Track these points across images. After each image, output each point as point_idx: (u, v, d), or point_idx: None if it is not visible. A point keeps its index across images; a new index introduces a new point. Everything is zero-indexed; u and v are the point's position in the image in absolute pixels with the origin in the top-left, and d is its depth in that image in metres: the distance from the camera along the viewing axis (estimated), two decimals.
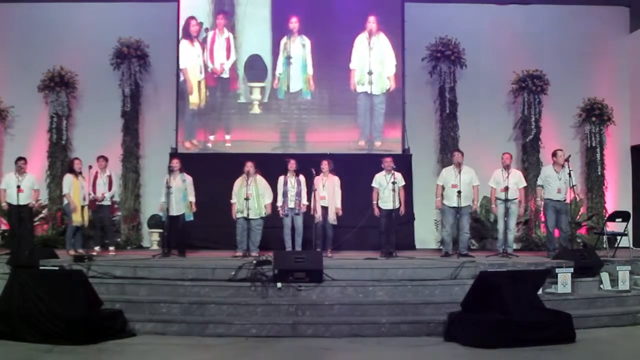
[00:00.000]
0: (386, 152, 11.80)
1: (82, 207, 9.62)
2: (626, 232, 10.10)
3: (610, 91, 12.61)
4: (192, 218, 9.73)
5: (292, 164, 9.82)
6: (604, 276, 8.19)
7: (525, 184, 9.96)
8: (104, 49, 11.99)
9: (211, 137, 12.41)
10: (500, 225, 9.69)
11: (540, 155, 12.24)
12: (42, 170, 11.95)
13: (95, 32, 12.29)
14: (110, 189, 9.99)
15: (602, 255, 8.89)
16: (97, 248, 9.76)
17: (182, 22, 12.44)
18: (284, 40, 12.36)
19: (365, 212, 9.91)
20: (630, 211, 11.04)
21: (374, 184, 9.86)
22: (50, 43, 12.31)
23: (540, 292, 7.40)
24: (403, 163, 11.27)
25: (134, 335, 6.79)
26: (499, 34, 12.56)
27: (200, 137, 12.41)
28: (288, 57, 12.34)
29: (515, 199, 9.65)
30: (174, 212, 9.59)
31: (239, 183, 9.67)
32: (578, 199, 11.45)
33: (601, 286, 8.14)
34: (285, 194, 9.75)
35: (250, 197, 9.47)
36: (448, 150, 11.91)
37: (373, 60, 12.38)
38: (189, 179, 9.77)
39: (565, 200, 9.54)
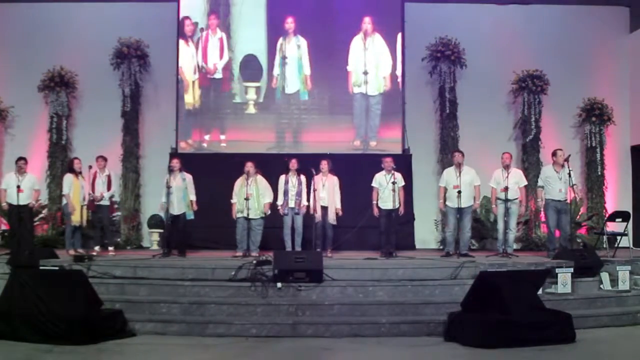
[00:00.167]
0: (382, 152, 11.84)
1: (82, 207, 9.62)
2: (626, 232, 10.10)
3: (610, 91, 12.61)
4: (192, 217, 9.73)
5: (293, 163, 9.82)
6: (604, 276, 8.19)
7: (525, 183, 9.95)
8: (104, 49, 11.99)
9: (206, 137, 12.44)
10: (500, 225, 9.69)
11: (540, 155, 12.24)
12: (42, 170, 11.96)
13: (95, 32, 12.30)
14: (109, 188, 9.97)
15: (602, 255, 8.89)
16: (97, 248, 9.75)
17: (187, 23, 12.47)
18: (280, 41, 12.38)
19: (365, 212, 9.91)
20: (630, 211, 11.04)
21: (373, 184, 9.86)
22: (50, 43, 12.31)
23: (540, 292, 7.39)
24: (403, 163, 11.27)
25: (134, 335, 6.79)
26: (499, 34, 12.57)
27: (195, 137, 12.42)
28: (283, 58, 12.36)
29: (516, 198, 9.64)
30: (175, 211, 9.60)
31: (239, 183, 9.67)
32: (578, 198, 11.46)
33: (601, 286, 8.14)
34: (286, 193, 9.75)
35: (251, 197, 9.47)
36: (448, 150, 11.91)
37: (368, 60, 12.39)
38: (188, 177, 9.77)
39: (566, 200, 9.54)
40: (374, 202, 9.80)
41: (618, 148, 12.81)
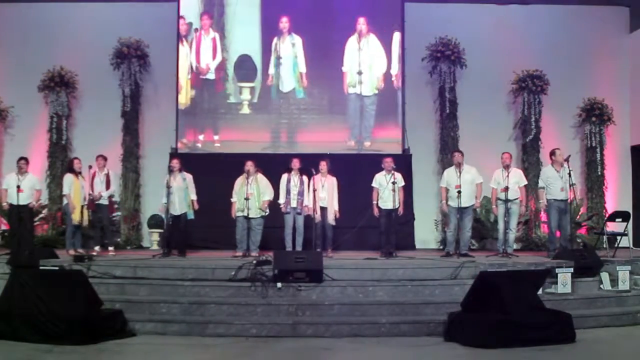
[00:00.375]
0: (377, 152, 11.90)
1: (82, 206, 9.62)
2: (626, 232, 10.10)
3: (610, 91, 12.61)
4: (193, 217, 9.73)
5: (295, 163, 9.82)
6: (604, 276, 8.19)
7: (525, 182, 9.94)
8: (104, 49, 11.99)
9: (200, 137, 12.45)
10: (501, 225, 9.69)
11: (540, 155, 12.24)
12: (42, 170, 11.95)
13: (95, 32, 12.30)
14: (107, 188, 9.95)
15: (602, 255, 8.89)
16: (97, 248, 9.75)
17: (181, 22, 12.48)
18: (274, 40, 12.40)
19: (365, 212, 9.91)
20: (630, 211, 11.03)
21: (374, 184, 9.86)
22: (50, 43, 12.32)
23: (540, 292, 7.39)
24: (403, 163, 11.27)
25: (134, 335, 6.79)
26: (499, 34, 12.56)
27: (189, 137, 12.44)
28: (278, 58, 12.36)
29: (516, 199, 9.63)
30: (176, 211, 9.59)
31: (239, 182, 9.67)
32: (578, 198, 11.46)
33: (601, 286, 8.14)
34: (288, 192, 9.75)
35: (251, 196, 9.47)
36: (448, 150, 11.91)
37: (363, 61, 12.41)
38: (189, 177, 9.76)
39: (567, 199, 9.53)
40: (374, 202, 9.80)
41: (618, 148, 12.81)
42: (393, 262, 8.70)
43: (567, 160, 9.52)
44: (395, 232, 9.83)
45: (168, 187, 9.52)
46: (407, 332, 6.95)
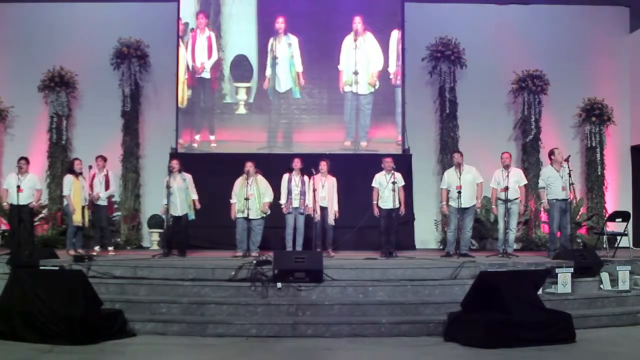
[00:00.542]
0: (374, 152, 11.93)
1: (83, 207, 9.62)
2: (626, 232, 10.10)
3: (610, 91, 12.61)
4: (194, 217, 9.72)
5: (297, 163, 9.81)
6: (604, 276, 8.18)
7: (525, 182, 9.95)
8: (104, 49, 12.00)
9: (196, 137, 12.46)
10: (501, 225, 9.69)
11: (540, 155, 12.24)
12: (42, 170, 11.95)
13: (95, 32, 12.31)
14: (107, 188, 9.96)
15: (602, 255, 8.88)
16: (97, 248, 9.75)
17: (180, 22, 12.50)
18: (270, 41, 12.40)
19: (364, 212, 9.91)
20: (630, 211, 11.04)
21: (374, 184, 9.85)
22: (50, 43, 12.32)
23: (540, 292, 7.39)
24: (403, 163, 11.28)
25: (134, 335, 6.78)
26: (499, 34, 12.57)
27: (185, 137, 12.44)
28: (274, 58, 12.37)
29: (517, 198, 9.63)
30: (177, 212, 9.59)
31: (239, 183, 9.66)
32: (578, 198, 11.47)
33: (601, 286, 8.13)
34: (289, 192, 9.74)
35: (251, 197, 9.46)
36: (448, 150, 11.92)
37: (359, 60, 12.42)
38: (188, 177, 9.76)
39: (568, 199, 9.53)
40: (374, 202, 9.80)
41: (618, 148, 12.82)
42: (393, 262, 8.70)
43: (567, 160, 9.52)
44: (395, 232, 9.83)
45: (168, 187, 9.51)
46: (407, 332, 6.94)
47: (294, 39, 12.41)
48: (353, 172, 11.01)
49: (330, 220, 9.79)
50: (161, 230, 11.36)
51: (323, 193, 9.73)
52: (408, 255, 9.57)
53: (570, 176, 9.40)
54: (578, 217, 11.95)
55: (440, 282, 7.83)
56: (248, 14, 12.54)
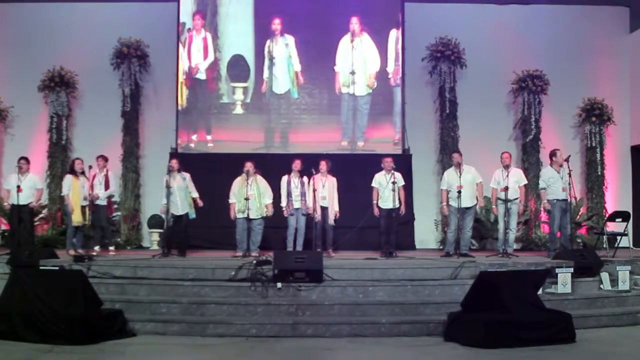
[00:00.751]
0: (372, 152, 11.96)
1: (83, 207, 9.62)
2: (626, 232, 10.10)
3: (610, 91, 12.61)
4: (194, 216, 9.71)
5: (296, 164, 9.80)
6: (604, 276, 8.18)
7: (525, 182, 9.95)
8: (104, 49, 12.00)
9: (193, 137, 12.45)
10: (501, 225, 9.69)
11: (540, 155, 12.24)
12: (42, 170, 11.94)
13: (95, 32, 12.31)
14: (107, 188, 9.95)
15: (602, 255, 8.88)
16: (96, 248, 9.75)
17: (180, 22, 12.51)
18: (267, 42, 12.41)
19: (364, 212, 9.91)
20: (630, 211, 11.04)
21: (374, 184, 9.85)
22: (50, 43, 12.32)
23: (540, 292, 7.39)
24: (403, 163, 11.28)
25: (134, 335, 6.78)
26: (499, 34, 12.57)
27: (183, 137, 12.44)
28: (271, 59, 12.36)
29: (516, 198, 9.63)
30: (178, 211, 9.58)
31: (238, 183, 9.65)
32: (578, 198, 11.46)
33: (601, 286, 8.13)
34: (289, 194, 9.74)
35: (252, 197, 9.45)
36: (448, 150, 11.91)
37: (356, 61, 12.42)
38: (187, 176, 9.76)
39: (567, 199, 9.53)
40: (374, 202, 9.79)
41: (618, 148, 12.81)
42: (393, 262, 8.70)
43: (567, 160, 9.52)
44: (395, 232, 9.82)
45: (168, 187, 9.50)
46: (407, 332, 6.94)
47: (290, 39, 12.41)
48: (352, 172, 11.00)
49: (331, 220, 9.79)
50: (161, 230, 11.35)
51: (323, 193, 9.72)
52: (408, 255, 9.57)
53: (570, 176, 9.40)
54: (578, 217, 11.96)
55: (440, 282, 7.83)
56: (245, 14, 12.55)
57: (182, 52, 12.47)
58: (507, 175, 9.63)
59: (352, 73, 12.40)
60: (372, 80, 12.45)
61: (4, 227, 11.81)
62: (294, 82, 12.43)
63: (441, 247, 11.25)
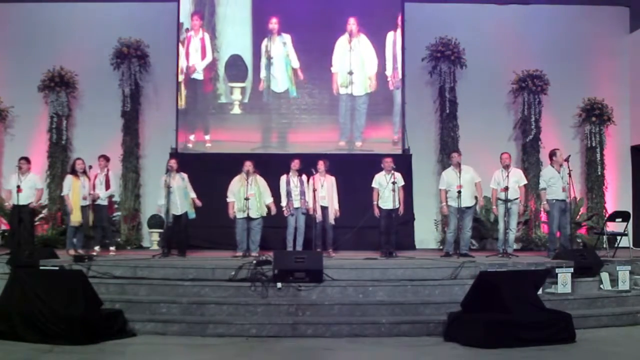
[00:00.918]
0: (370, 152, 11.99)
1: (83, 207, 9.62)
2: (626, 232, 10.10)
3: (610, 91, 12.61)
4: (194, 216, 9.71)
5: (295, 164, 9.80)
6: (604, 276, 8.18)
7: (525, 182, 9.95)
8: (104, 49, 12.00)
9: (191, 137, 12.45)
10: (501, 225, 9.69)
11: (540, 155, 12.24)
12: (42, 170, 11.93)
13: (95, 32, 12.31)
14: (107, 188, 9.95)
15: (602, 255, 8.88)
16: (97, 248, 9.75)
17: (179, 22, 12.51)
18: (264, 42, 12.40)
19: (364, 212, 9.91)
20: (630, 211, 11.04)
21: (374, 185, 9.85)
22: (50, 43, 12.32)
23: (540, 292, 7.39)
24: (403, 163, 11.28)
25: (134, 335, 6.78)
26: (499, 34, 12.57)
27: (181, 137, 12.44)
28: (269, 59, 12.36)
29: (516, 198, 9.63)
30: (178, 211, 9.58)
31: (238, 183, 9.64)
32: (578, 198, 11.45)
33: (601, 286, 8.13)
34: (289, 194, 9.73)
35: (252, 196, 9.45)
36: (448, 150, 11.91)
37: (354, 61, 12.43)
38: (185, 176, 9.75)
39: (566, 199, 9.53)
40: (375, 202, 9.79)
41: (618, 148, 12.81)
42: (393, 262, 8.70)
43: (567, 160, 9.52)
44: (395, 232, 9.82)
45: (168, 187, 9.49)
46: (407, 332, 6.94)
47: (287, 38, 12.42)
48: (350, 172, 11.01)
49: (331, 219, 9.79)
50: (161, 230, 11.35)
51: (322, 193, 9.72)
52: (408, 255, 9.57)
53: (570, 176, 9.40)
54: (578, 217, 11.95)
55: (440, 282, 7.83)
56: (243, 14, 12.55)
57: (181, 52, 12.46)
58: (507, 176, 9.63)
59: (350, 73, 12.40)
60: (370, 81, 12.45)
61: (4, 227, 11.80)
62: (292, 80, 12.43)
63: (441, 247, 11.24)
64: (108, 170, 10.09)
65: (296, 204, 9.72)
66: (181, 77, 12.46)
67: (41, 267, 7.59)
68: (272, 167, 10.26)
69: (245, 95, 12.50)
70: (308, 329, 6.95)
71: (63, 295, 6.58)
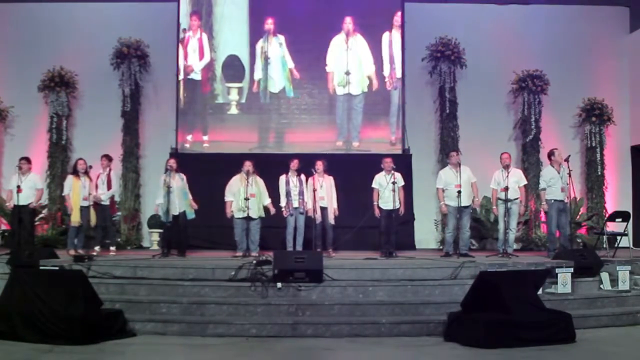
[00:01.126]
0: (366, 152, 12.03)
1: (83, 207, 9.62)
2: (626, 232, 10.10)
3: (610, 91, 12.62)
4: (193, 216, 9.70)
5: (294, 164, 9.80)
6: (604, 276, 8.18)
7: (525, 182, 9.96)
8: (104, 49, 12.01)
9: (188, 138, 12.46)
10: (501, 225, 9.69)
11: (540, 155, 12.24)
12: (42, 170, 11.93)
13: (95, 32, 12.32)
14: (109, 188, 9.95)
15: (602, 255, 8.88)
16: (97, 248, 9.74)
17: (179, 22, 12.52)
18: (259, 43, 12.40)
19: (363, 212, 9.91)
20: (630, 211, 11.04)
21: (374, 185, 9.85)
22: (50, 43, 12.33)
23: (540, 292, 7.39)
24: (403, 163, 11.28)
25: (134, 335, 6.78)
26: (499, 34, 12.58)
27: (180, 137, 12.43)
28: (266, 59, 12.37)
29: (517, 198, 9.64)
30: (176, 211, 9.56)
31: (237, 182, 9.63)
32: (578, 198, 11.44)
33: (601, 286, 8.13)
34: (288, 194, 9.73)
35: (252, 197, 9.44)
36: (448, 150, 11.90)
37: (351, 61, 12.41)
38: (184, 177, 9.75)
39: (565, 199, 9.53)
40: (375, 203, 9.79)
41: (618, 148, 12.82)
42: (393, 262, 8.70)
43: (567, 160, 9.52)
44: (395, 232, 9.82)
45: (168, 187, 9.48)
46: (407, 332, 6.94)
47: (282, 38, 12.43)
48: (349, 172, 11.01)
49: (331, 219, 9.78)
50: (161, 230, 11.34)
51: (322, 193, 9.71)
52: (408, 255, 9.57)
53: (570, 176, 9.40)
54: (578, 217, 11.95)
55: (440, 282, 7.83)
56: (240, 14, 12.55)
57: (180, 52, 12.45)
58: (507, 176, 9.63)
59: (347, 73, 12.40)
60: (367, 81, 12.45)
61: (4, 227, 11.80)
62: (289, 80, 12.43)
63: (441, 247, 11.25)
64: (110, 170, 10.08)
65: (295, 203, 9.72)
66: (180, 77, 12.46)
67: (41, 267, 7.58)
68: (269, 167, 10.22)
69: (243, 96, 12.51)
70: (308, 329, 6.95)
71: (63, 295, 6.58)
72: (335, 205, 9.86)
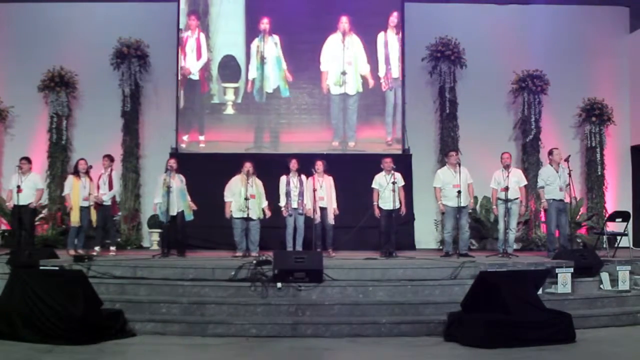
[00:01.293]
0: (362, 152, 12.06)
1: (83, 208, 9.62)
2: (626, 232, 10.10)
3: (610, 91, 12.62)
4: (192, 217, 9.70)
5: (294, 164, 9.80)
6: (604, 276, 8.18)
7: (525, 182, 9.96)
8: (104, 49, 12.01)
9: (185, 138, 12.46)
10: (501, 225, 9.69)
11: (540, 155, 12.25)
12: (42, 170, 11.93)
13: (95, 32, 12.32)
14: (110, 188, 9.95)
15: (602, 255, 8.88)
16: (97, 248, 9.74)
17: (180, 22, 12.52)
18: (255, 42, 12.40)
19: (363, 212, 9.91)
20: (630, 211, 11.02)
21: (374, 185, 9.84)
22: (50, 43, 12.33)
23: (540, 292, 7.39)
24: (403, 163, 11.28)
25: (134, 335, 6.78)
26: (499, 34, 12.58)
27: (182, 137, 12.43)
28: (262, 58, 12.36)
29: (517, 198, 9.64)
30: (174, 211, 9.56)
31: (237, 182, 9.62)
32: (578, 198, 11.44)
33: (601, 286, 8.13)
34: (288, 194, 9.73)
35: (252, 197, 9.44)
36: (448, 150, 11.89)
37: (347, 60, 12.44)
38: (184, 178, 9.75)
39: (564, 199, 9.53)
40: (375, 203, 9.79)
41: (618, 148, 12.82)
42: (393, 262, 8.69)
43: (567, 160, 9.52)
44: (395, 232, 9.81)
45: (168, 187, 9.48)
46: (407, 332, 6.94)
47: (278, 38, 12.44)
48: (348, 172, 11.02)
49: (331, 219, 9.78)
50: (161, 230, 11.34)
51: (321, 193, 9.71)
52: (408, 255, 9.57)
53: (570, 176, 9.40)
54: (578, 217, 11.95)
55: (440, 282, 7.83)
56: (236, 14, 12.55)
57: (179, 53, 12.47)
58: (508, 176, 9.63)
59: (344, 73, 12.39)
60: (363, 81, 12.45)
61: (4, 227, 11.80)
62: (285, 80, 12.43)
63: (441, 247, 11.24)
64: (112, 170, 10.07)
65: (294, 204, 9.72)
66: (180, 77, 12.45)
67: (41, 267, 7.57)
68: (266, 167, 10.22)
69: (239, 96, 12.51)
70: (308, 329, 6.95)
71: (63, 295, 6.57)
72: (335, 205, 9.86)
